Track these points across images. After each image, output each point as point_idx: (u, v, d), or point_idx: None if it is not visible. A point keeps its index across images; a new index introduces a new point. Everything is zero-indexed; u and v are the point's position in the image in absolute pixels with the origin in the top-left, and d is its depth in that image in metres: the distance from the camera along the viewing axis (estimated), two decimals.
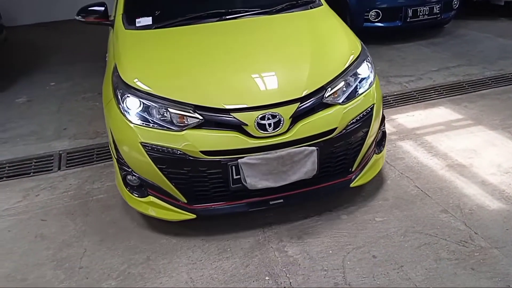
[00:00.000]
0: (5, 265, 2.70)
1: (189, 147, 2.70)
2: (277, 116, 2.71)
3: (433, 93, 4.82)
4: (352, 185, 3.07)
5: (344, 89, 2.92)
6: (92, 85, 5.25)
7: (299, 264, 2.62)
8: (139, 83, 2.88)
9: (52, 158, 3.89)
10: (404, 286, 2.39)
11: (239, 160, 2.71)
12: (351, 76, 3.00)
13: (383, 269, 2.55)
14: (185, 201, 2.88)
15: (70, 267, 2.68)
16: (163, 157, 2.75)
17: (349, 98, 2.93)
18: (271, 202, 2.90)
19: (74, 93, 5.23)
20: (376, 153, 3.22)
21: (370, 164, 3.16)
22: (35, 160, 3.85)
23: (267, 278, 2.52)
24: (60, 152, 3.93)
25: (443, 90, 4.88)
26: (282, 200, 2.91)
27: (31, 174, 3.68)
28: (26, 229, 3.05)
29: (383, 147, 3.34)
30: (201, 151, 2.71)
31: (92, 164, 3.73)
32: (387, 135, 3.42)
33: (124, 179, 3.04)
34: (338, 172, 3.05)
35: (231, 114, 2.73)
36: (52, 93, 5.26)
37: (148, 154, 2.74)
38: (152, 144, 2.73)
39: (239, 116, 2.72)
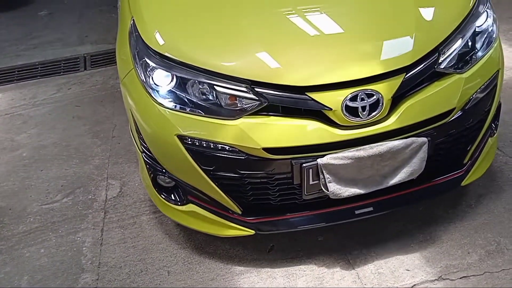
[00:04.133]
0: (51, 136, 3.24)
1: (246, 143, 1.87)
2: (375, 95, 1.86)
3: None
4: (464, 182, 2.19)
5: (462, 50, 2.00)
6: None
7: None
8: (169, 48, 2.00)
9: (78, 60, 4.29)
10: None
11: (319, 160, 1.87)
12: (469, 30, 2.02)
13: None
14: (239, 213, 2.07)
15: (104, 136, 3.17)
16: (209, 156, 1.93)
17: (468, 63, 2.02)
18: (357, 212, 2.05)
19: (91, 7, 5.70)
20: (490, 136, 2.32)
21: (484, 151, 2.28)
22: (63, 62, 4.27)
23: None
24: (85, 55, 4.33)
25: None
26: (371, 208, 2.06)
27: (61, 73, 4.10)
28: (64, 112, 3.55)
29: (498, 123, 2.40)
30: (265, 149, 1.88)
31: (114, 64, 3.77)
32: None
33: (154, 180, 2.23)
34: (447, 167, 2.18)
35: (307, 94, 1.87)
36: (70, 7, 5.79)
37: (188, 151, 1.94)
38: (194, 138, 1.91)
39: (319, 97, 1.85)
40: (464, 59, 2.02)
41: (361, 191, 1.95)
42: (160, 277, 2.21)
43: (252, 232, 2.09)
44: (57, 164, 3.04)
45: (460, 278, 1.97)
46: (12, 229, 2.56)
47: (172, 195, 2.20)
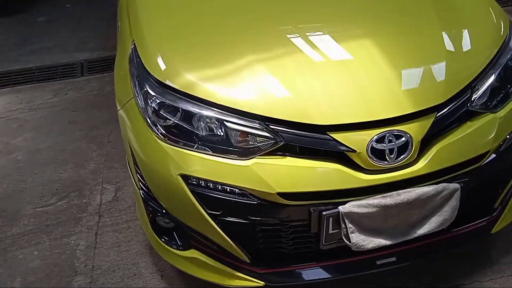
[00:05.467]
0: (47, 140, 3.05)
1: (259, 186, 1.44)
2: (403, 137, 1.45)
3: None
4: (494, 229, 1.79)
5: (494, 86, 1.66)
6: (106, 6, 5.30)
7: None
8: (174, 77, 1.60)
9: (75, 65, 4.16)
10: None
11: (341, 208, 1.45)
12: (502, 65, 1.71)
13: None
14: (247, 261, 1.65)
15: (100, 142, 3.01)
16: (216, 199, 1.50)
17: (502, 101, 1.66)
18: (378, 262, 1.65)
19: (90, 14, 5.40)
20: None
21: None
22: (60, 67, 4.16)
23: None
24: (82, 61, 4.21)
25: None
26: (394, 258, 1.67)
27: (58, 78, 3.95)
28: (60, 117, 3.35)
29: None
30: (280, 193, 1.44)
31: (111, 71, 3.37)
32: None
33: (153, 221, 1.76)
34: (476, 213, 1.76)
35: (328, 134, 1.45)
36: (69, 14, 5.52)
37: (192, 193, 1.51)
38: (199, 178, 1.50)
39: (342, 137, 1.44)
40: (497, 97, 1.65)
41: (386, 242, 1.53)
42: (153, 281, 1.97)
43: (261, 283, 1.64)
44: (52, 168, 2.75)
45: None
46: (5, 231, 2.29)
47: (173, 239, 1.77)
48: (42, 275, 2.06)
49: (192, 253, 1.64)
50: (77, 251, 2.19)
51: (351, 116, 1.44)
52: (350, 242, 1.44)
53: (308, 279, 1.59)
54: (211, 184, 1.49)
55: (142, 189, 1.68)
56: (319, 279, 1.58)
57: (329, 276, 1.59)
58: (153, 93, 1.54)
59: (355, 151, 1.39)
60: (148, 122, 1.54)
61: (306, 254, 1.59)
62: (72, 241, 2.24)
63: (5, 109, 3.47)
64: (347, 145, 1.40)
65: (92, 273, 2.07)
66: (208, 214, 1.52)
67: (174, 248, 1.68)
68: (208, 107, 1.52)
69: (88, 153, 2.88)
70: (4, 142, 2.99)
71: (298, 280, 1.59)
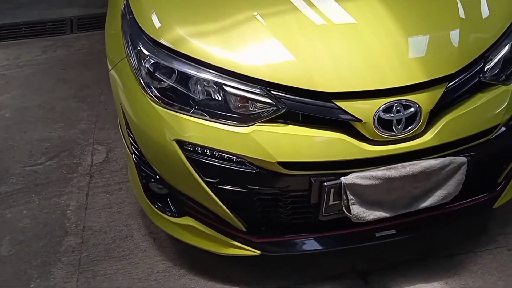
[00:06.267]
0: (35, 98, 2.94)
1: (259, 155, 1.37)
2: (412, 107, 1.38)
3: None
4: (496, 204, 1.73)
5: (507, 57, 1.56)
6: None
7: None
8: (169, 36, 1.49)
9: (64, 22, 4.01)
10: None
11: (343, 179, 1.39)
12: None
13: None
14: (244, 230, 1.59)
15: (91, 101, 2.90)
16: (213, 167, 1.43)
17: None
18: (378, 234, 1.61)
19: None
20: None
21: None
22: (49, 23, 3.99)
23: None
24: (72, 17, 4.04)
25: None
26: (394, 231, 1.62)
27: (46, 35, 3.82)
28: (48, 75, 3.23)
29: None
30: (280, 163, 1.38)
31: (102, 29, 3.13)
32: None
33: (146, 187, 1.69)
34: (479, 187, 1.70)
35: (334, 101, 1.38)
36: None
37: (188, 159, 1.44)
38: (196, 145, 1.42)
39: (348, 106, 1.37)
40: (510, 69, 1.57)
41: (387, 215, 1.49)
42: (145, 243, 1.93)
43: (257, 252, 1.60)
44: (41, 126, 2.67)
45: None
46: None
47: (167, 205, 1.70)
48: (31, 234, 2.01)
49: (187, 220, 1.58)
50: (68, 211, 2.13)
51: (358, 83, 1.36)
52: (350, 213, 1.39)
53: (306, 249, 1.55)
54: (208, 151, 1.43)
55: (135, 154, 1.60)
56: (317, 249, 1.54)
57: (327, 247, 1.55)
58: (147, 53, 1.43)
59: (361, 121, 1.35)
60: (142, 84, 1.44)
61: (304, 225, 1.54)
62: (63, 201, 2.19)
63: None
64: (353, 114, 1.35)
65: (83, 234, 2.03)
66: (204, 181, 1.46)
67: (168, 215, 1.62)
68: (205, 69, 1.43)
69: (78, 113, 2.79)
70: None
71: (295, 250, 1.55)
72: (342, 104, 1.36)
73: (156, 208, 1.61)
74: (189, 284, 1.72)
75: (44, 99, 2.97)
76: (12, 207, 2.15)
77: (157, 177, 1.54)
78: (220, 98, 1.42)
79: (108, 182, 2.28)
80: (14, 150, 2.49)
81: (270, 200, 1.45)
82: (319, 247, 1.55)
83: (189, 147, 1.42)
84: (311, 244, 1.55)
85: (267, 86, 1.37)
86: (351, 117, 1.36)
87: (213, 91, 1.42)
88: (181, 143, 1.42)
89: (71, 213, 2.12)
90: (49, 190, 2.25)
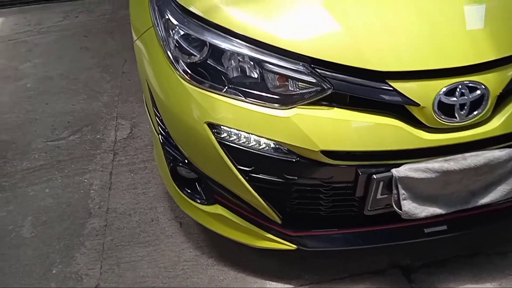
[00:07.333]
0: (57, 67, 2.86)
1: (300, 142, 1.21)
2: (478, 90, 1.19)
3: None
4: None
5: None
6: None
7: None
8: (201, 4, 1.32)
9: None
10: None
11: (395, 172, 1.23)
12: None
13: None
14: (279, 222, 1.46)
15: (114, 72, 2.80)
16: (248, 153, 1.28)
17: None
18: (426, 230, 1.45)
19: None
20: None
21: None
22: None
23: None
24: None
25: None
26: (445, 227, 1.46)
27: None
28: (71, 42, 3.15)
29: None
30: (324, 152, 1.22)
31: None
32: None
33: (173, 171, 1.56)
34: None
35: (388, 82, 1.19)
36: None
37: (221, 145, 1.29)
38: (229, 128, 1.28)
39: (404, 87, 1.18)
40: None
41: (441, 211, 1.33)
42: (172, 228, 1.81)
43: (293, 247, 1.46)
44: (64, 98, 2.58)
45: None
46: (15, 165, 2.17)
47: (196, 191, 1.58)
48: (54, 215, 1.92)
49: (217, 208, 1.45)
50: (91, 191, 2.04)
51: (417, 62, 1.19)
52: (400, 209, 1.22)
53: (348, 245, 1.40)
54: (243, 136, 1.29)
55: (161, 134, 1.45)
56: (360, 246, 1.37)
57: (371, 243, 1.40)
58: (175, 22, 1.27)
59: (419, 105, 1.18)
60: (170, 58, 1.29)
61: (345, 219, 1.36)
62: (86, 180, 2.10)
63: (13, 31, 3.23)
64: (410, 97, 1.18)
65: (107, 216, 1.93)
66: (238, 169, 1.33)
67: (197, 202, 1.46)
68: (241, 42, 1.27)
69: (101, 84, 2.69)
70: (13, 68, 2.80)
71: (335, 246, 1.41)
72: (397, 85, 1.19)
73: (185, 194, 1.47)
74: (218, 275, 1.59)
75: (67, 68, 2.88)
76: (34, 185, 2.07)
77: (186, 161, 1.40)
78: (256, 76, 1.26)
79: (133, 160, 2.18)
80: (37, 123, 2.42)
81: (310, 191, 1.30)
82: (362, 244, 1.39)
83: (221, 131, 1.28)
84: (353, 240, 1.41)
85: (311, 62, 1.21)
86: (407, 101, 1.19)
87: (248, 68, 1.27)
88: (212, 126, 1.29)
89: (94, 193, 2.03)
90: (72, 167, 2.16)
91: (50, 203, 1.99)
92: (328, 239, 1.41)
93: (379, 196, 1.28)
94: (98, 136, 2.33)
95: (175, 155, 1.44)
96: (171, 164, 1.48)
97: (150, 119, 1.58)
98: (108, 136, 2.33)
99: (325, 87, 1.20)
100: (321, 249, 1.43)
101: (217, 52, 1.27)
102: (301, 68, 1.21)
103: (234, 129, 1.27)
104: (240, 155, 1.29)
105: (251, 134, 1.26)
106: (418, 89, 1.18)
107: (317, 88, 1.21)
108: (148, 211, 1.92)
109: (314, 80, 1.20)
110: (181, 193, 1.51)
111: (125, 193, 2.01)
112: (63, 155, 2.22)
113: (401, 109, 1.21)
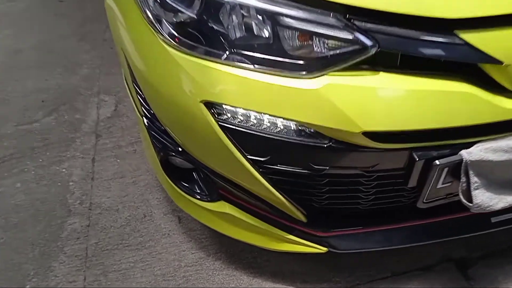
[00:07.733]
0: (29, 39, 2.56)
1: (334, 122, 0.90)
2: None
3: None
4: None
5: None
6: None
7: None
8: None
9: None
10: None
11: (465, 154, 0.93)
12: None
13: None
14: (304, 221, 1.17)
15: (94, 39, 2.53)
16: (260, 139, 0.97)
17: None
18: (493, 220, 1.19)
19: None
20: None
21: None
22: None
23: None
24: None
25: None
26: None
27: None
28: (44, 8, 2.90)
29: None
30: (367, 133, 0.90)
31: None
32: None
33: (164, 161, 1.23)
34: None
35: (457, 34, 0.85)
36: None
37: (223, 129, 0.97)
38: (234, 108, 0.95)
39: (478, 39, 0.85)
40: None
41: None
42: (169, 224, 1.55)
43: (323, 249, 1.19)
44: (36, 73, 2.30)
45: None
46: None
47: (196, 185, 1.25)
48: (27, 215, 1.64)
49: (223, 206, 1.11)
50: (70, 183, 1.75)
51: (496, 4, 0.85)
52: (471, 202, 0.90)
53: (394, 244, 1.08)
54: (252, 117, 0.96)
55: (146, 117, 1.10)
56: (410, 244, 1.05)
57: (424, 240, 1.09)
58: None
59: (501, 63, 0.85)
60: (149, 17, 0.91)
61: (390, 213, 1.03)
62: (64, 170, 1.81)
63: None
64: (487, 52, 0.82)
65: (89, 213, 1.63)
66: (248, 160, 1.01)
67: (197, 199, 1.13)
68: None
69: (79, 55, 2.40)
70: None
71: (378, 246, 1.12)
72: (470, 37, 0.85)
73: (181, 189, 1.14)
74: (228, 282, 1.31)
75: (40, 38, 2.57)
76: (3, 179, 1.78)
77: (179, 149, 1.05)
78: (267, 35, 0.92)
79: (119, 143, 1.89)
80: (5, 105, 2.11)
81: (346, 183, 0.96)
82: (413, 241, 1.07)
83: (223, 111, 0.97)
84: (401, 237, 1.09)
85: (346, 12, 0.87)
86: (484, 57, 0.86)
87: (256, 24, 0.93)
88: (211, 106, 0.97)
89: (74, 185, 1.74)
90: (47, 155, 1.87)
91: (22, 200, 1.70)
92: (370, 239, 1.12)
93: (440, 186, 0.98)
94: (77, 116, 2.03)
95: (165, 142, 1.10)
96: (161, 153, 1.15)
97: (131, 98, 1.23)
98: (89, 115, 2.03)
99: (368, 45, 0.86)
100: (360, 251, 1.10)
101: (212, 5, 0.93)
102: (332, 21, 0.87)
103: (240, 108, 0.95)
104: (249, 141, 0.98)
105: (264, 114, 0.94)
106: (497, 42, 0.85)
107: (355, 47, 0.87)
108: (139, 205, 1.63)
109: (351, 37, 0.87)
110: (176, 188, 1.17)
111: (110, 183, 1.73)
112: (37, 141, 1.92)
113: (474, 71, 0.89)
